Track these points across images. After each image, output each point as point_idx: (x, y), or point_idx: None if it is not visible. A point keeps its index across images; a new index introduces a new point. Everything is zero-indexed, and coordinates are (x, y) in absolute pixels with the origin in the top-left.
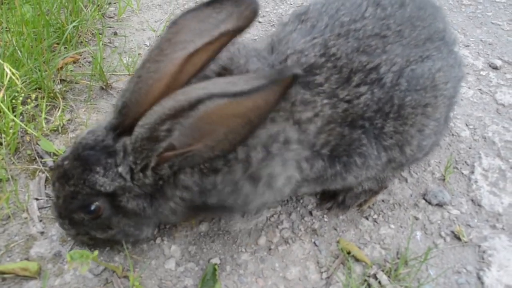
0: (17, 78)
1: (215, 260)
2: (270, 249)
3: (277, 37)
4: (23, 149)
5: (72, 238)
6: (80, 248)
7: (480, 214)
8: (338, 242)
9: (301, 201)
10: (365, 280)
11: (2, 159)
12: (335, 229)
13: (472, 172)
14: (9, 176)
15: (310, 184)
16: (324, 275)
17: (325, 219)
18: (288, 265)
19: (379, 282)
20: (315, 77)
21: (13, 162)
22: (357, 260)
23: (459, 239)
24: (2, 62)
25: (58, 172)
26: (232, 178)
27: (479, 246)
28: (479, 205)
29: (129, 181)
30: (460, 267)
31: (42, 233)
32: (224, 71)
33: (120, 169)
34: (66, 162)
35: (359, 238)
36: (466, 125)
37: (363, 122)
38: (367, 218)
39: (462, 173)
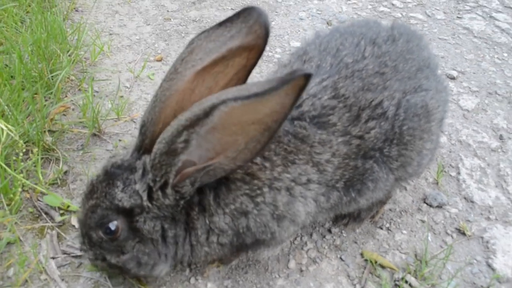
0: (15, 134)
1: None
2: (301, 270)
3: None
4: (23, 207)
5: (91, 262)
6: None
7: (474, 209)
8: (361, 254)
9: (318, 221)
10: (396, 285)
11: (13, 222)
12: (356, 242)
13: (459, 173)
14: (19, 237)
15: (325, 213)
16: (358, 286)
17: (344, 234)
18: (322, 283)
19: (410, 285)
20: (329, 117)
21: (16, 222)
22: (383, 267)
23: (463, 234)
24: None
25: (88, 187)
26: (261, 220)
27: (482, 238)
28: (472, 201)
29: (146, 200)
30: (470, 258)
31: None
32: None
33: (137, 186)
34: (95, 178)
35: (379, 247)
36: (441, 132)
37: (374, 152)
38: (381, 228)
39: (451, 175)
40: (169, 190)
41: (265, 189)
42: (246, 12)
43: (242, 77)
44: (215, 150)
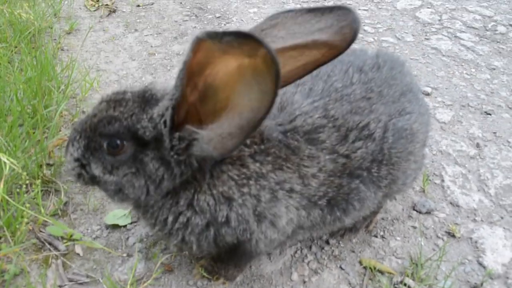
0: (18, 167)
1: None
2: (304, 282)
3: (281, 97)
4: (26, 239)
5: (68, 165)
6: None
7: (461, 213)
8: (360, 261)
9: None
10: (395, 287)
11: (17, 254)
12: (353, 251)
13: (443, 181)
14: (25, 269)
15: (306, 232)
16: None
17: (342, 245)
18: None
19: (409, 287)
20: (319, 134)
21: (20, 254)
22: (381, 272)
23: (453, 236)
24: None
25: (114, 95)
26: (243, 213)
27: (471, 238)
28: (458, 206)
29: (166, 136)
30: (462, 258)
31: None
32: None
33: (157, 118)
34: (129, 94)
35: (376, 254)
36: (424, 153)
37: (361, 172)
38: (376, 236)
39: (436, 183)
40: (166, 131)
41: (251, 182)
42: (340, 11)
43: (309, 69)
44: (210, 118)
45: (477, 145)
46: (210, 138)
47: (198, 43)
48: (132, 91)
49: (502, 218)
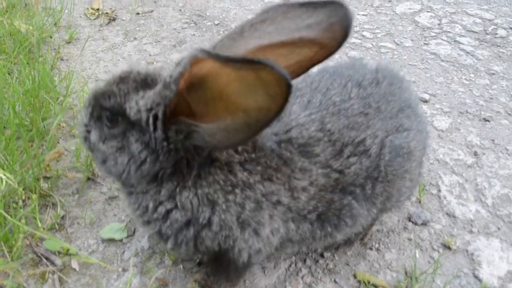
0: (13, 182)
1: None
2: None
3: None
4: (23, 254)
5: (78, 127)
6: None
7: (457, 224)
8: (354, 275)
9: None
10: None
11: (15, 269)
12: (348, 264)
13: (439, 191)
14: (22, 284)
15: (295, 245)
16: None
17: (336, 258)
18: None
19: None
20: (314, 148)
21: (17, 269)
22: (376, 286)
23: (449, 248)
24: None
25: (123, 72)
26: (226, 218)
27: (467, 250)
28: (454, 216)
29: (145, 122)
30: (458, 271)
31: None
32: None
33: (141, 103)
34: (134, 73)
35: (370, 268)
36: (421, 171)
37: (354, 188)
38: (371, 249)
39: (432, 193)
40: (159, 123)
41: (237, 190)
42: (332, 6)
43: (305, 67)
44: (208, 114)
45: (475, 153)
46: (212, 132)
47: (197, 60)
48: (139, 72)
49: (499, 229)
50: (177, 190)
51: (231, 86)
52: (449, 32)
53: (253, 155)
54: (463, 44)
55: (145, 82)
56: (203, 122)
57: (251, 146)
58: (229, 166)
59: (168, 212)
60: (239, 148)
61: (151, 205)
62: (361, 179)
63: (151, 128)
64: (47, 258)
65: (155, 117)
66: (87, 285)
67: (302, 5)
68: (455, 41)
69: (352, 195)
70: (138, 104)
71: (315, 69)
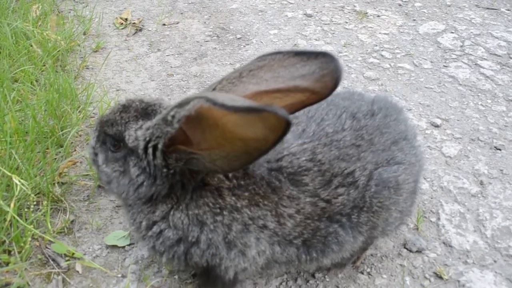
0: (27, 188)
1: None
2: None
3: None
4: (33, 254)
5: (88, 149)
6: None
7: (453, 254)
8: None
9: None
10: None
11: (23, 268)
12: (338, 287)
13: (439, 219)
14: (27, 283)
15: (282, 266)
16: None
17: (327, 279)
18: None
19: None
20: (303, 177)
21: (26, 269)
22: None
23: (441, 278)
24: (10, 174)
25: (127, 101)
26: (213, 238)
27: (459, 281)
28: (450, 246)
29: (142, 150)
30: None
31: None
32: None
33: (139, 133)
34: (136, 103)
35: None
36: (424, 178)
37: (340, 217)
38: (362, 273)
39: (431, 221)
40: (158, 153)
41: (225, 212)
42: (324, 58)
43: (297, 108)
44: (207, 144)
45: (481, 183)
46: (212, 159)
47: (202, 108)
48: (141, 101)
49: (495, 261)
50: (171, 212)
51: (228, 118)
52: (470, 54)
53: (242, 182)
54: (483, 68)
55: (146, 111)
56: (200, 149)
57: (242, 173)
58: (219, 190)
59: (162, 231)
60: (230, 174)
61: (144, 223)
62: (347, 209)
63: (151, 157)
64: (53, 260)
65: (155, 148)
66: None
67: (297, 54)
68: (476, 64)
69: (338, 223)
70: (136, 133)
71: None
